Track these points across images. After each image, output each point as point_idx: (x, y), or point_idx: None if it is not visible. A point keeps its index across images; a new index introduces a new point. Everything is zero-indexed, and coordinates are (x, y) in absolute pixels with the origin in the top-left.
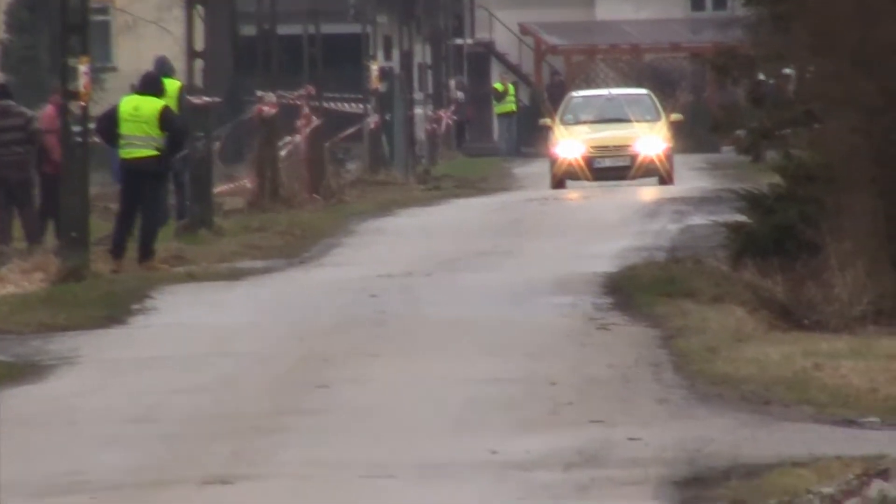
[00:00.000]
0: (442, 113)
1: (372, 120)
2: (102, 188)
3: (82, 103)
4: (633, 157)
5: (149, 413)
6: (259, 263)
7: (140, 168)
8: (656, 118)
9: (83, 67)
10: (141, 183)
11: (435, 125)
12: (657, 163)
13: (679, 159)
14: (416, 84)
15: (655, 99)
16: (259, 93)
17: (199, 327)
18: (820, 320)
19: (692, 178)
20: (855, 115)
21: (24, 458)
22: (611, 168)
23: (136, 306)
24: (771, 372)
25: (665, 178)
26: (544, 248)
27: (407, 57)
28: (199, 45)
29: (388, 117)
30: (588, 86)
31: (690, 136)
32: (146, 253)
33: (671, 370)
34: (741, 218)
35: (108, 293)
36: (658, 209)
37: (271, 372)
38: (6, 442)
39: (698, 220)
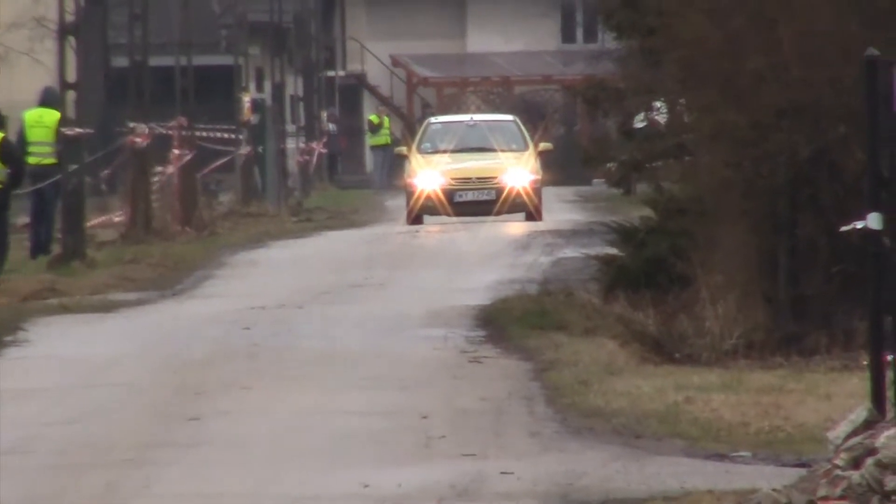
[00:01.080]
0: (314, 145)
1: (244, 151)
2: None
3: None
4: (499, 191)
5: (22, 444)
6: (132, 295)
7: None
8: (523, 147)
9: None
10: None
11: (307, 157)
12: (524, 196)
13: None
14: (288, 116)
15: (522, 126)
16: (131, 124)
17: (73, 359)
18: (691, 354)
19: (564, 211)
20: (725, 147)
21: None
22: (473, 202)
23: (8, 338)
24: (643, 405)
25: (533, 214)
26: (416, 281)
27: (279, 89)
28: (72, 76)
29: (260, 149)
30: None
31: (562, 168)
32: None
33: (543, 403)
34: (613, 251)
35: None
36: (530, 242)
37: (144, 404)
38: None
39: (570, 252)
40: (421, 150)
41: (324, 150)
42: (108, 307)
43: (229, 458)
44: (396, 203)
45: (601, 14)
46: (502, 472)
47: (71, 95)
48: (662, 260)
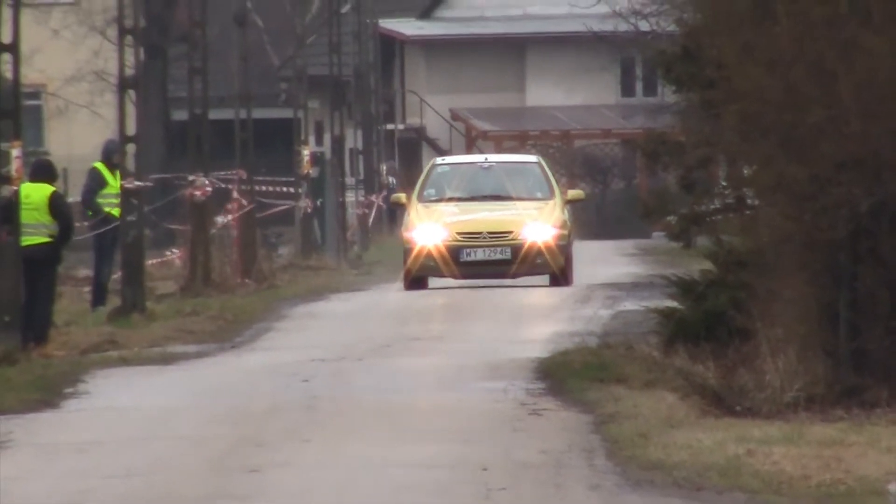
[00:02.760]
0: (373, 198)
1: (304, 205)
2: None
3: (14, 188)
4: (515, 248)
5: (81, 498)
6: (192, 348)
7: (33, 255)
8: (548, 195)
9: (15, 152)
10: (35, 270)
11: (366, 210)
12: (547, 255)
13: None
14: (347, 169)
15: (547, 168)
16: (190, 177)
17: (132, 411)
18: (752, 406)
19: (623, 264)
20: (785, 200)
21: None
22: (484, 262)
23: (69, 390)
24: (703, 458)
25: (559, 277)
26: (476, 333)
27: (338, 141)
28: (131, 129)
29: (319, 202)
30: None
31: (622, 221)
32: (42, 339)
33: (603, 456)
34: (673, 304)
35: (41, 377)
36: (590, 294)
37: (204, 456)
38: None
39: (630, 305)
40: (422, 198)
41: (383, 204)
42: (168, 359)
43: None
44: None
45: (660, 67)
46: None
47: (131, 148)
48: (722, 313)
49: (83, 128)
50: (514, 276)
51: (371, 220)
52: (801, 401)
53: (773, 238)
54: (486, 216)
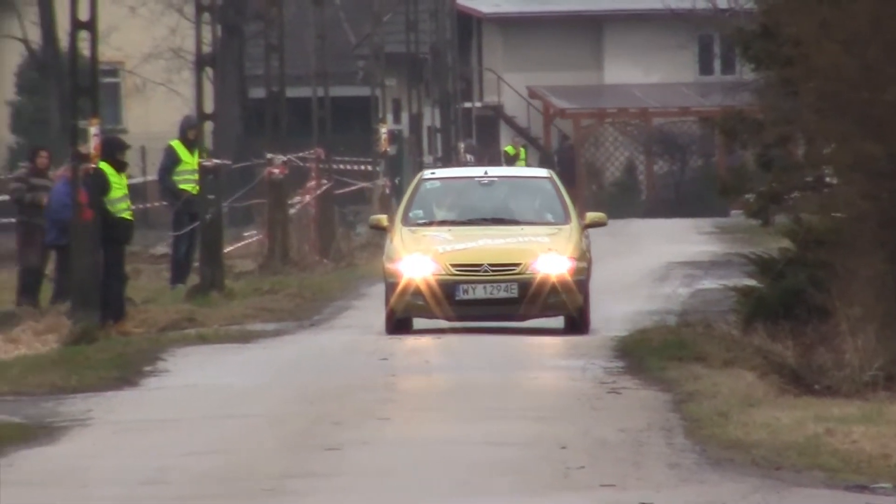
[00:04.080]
0: None
1: (381, 183)
2: None
3: (92, 165)
4: (524, 284)
5: (160, 475)
6: (270, 326)
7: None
8: (563, 219)
9: (93, 129)
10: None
11: None
12: (563, 293)
13: (688, 223)
14: (425, 147)
15: (561, 185)
16: (268, 155)
17: (211, 389)
18: (831, 385)
19: (701, 243)
20: (863, 179)
21: None
22: (485, 301)
23: (147, 368)
24: (782, 437)
25: (576, 318)
26: None
27: (416, 120)
28: (209, 107)
29: (397, 181)
30: (597, 150)
31: (700, 199)
32: (119, 316)
33: (682, 434)
34: (751, 282)
35: (120, 355)
36: (669, 273)
37: (282, 434)
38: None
39: (709, 284)
40: (408, 221)
41: None
42: (246, 337)
43: (368, 488)
44: None
45: (739, 45)
46: (641, 503)
47: (208, 126)
48: (801, 291)
49: (160, 105)
50: (521, 319)
51: None
52: (880, 380)
53: (850, 216)
54: (487, 244)
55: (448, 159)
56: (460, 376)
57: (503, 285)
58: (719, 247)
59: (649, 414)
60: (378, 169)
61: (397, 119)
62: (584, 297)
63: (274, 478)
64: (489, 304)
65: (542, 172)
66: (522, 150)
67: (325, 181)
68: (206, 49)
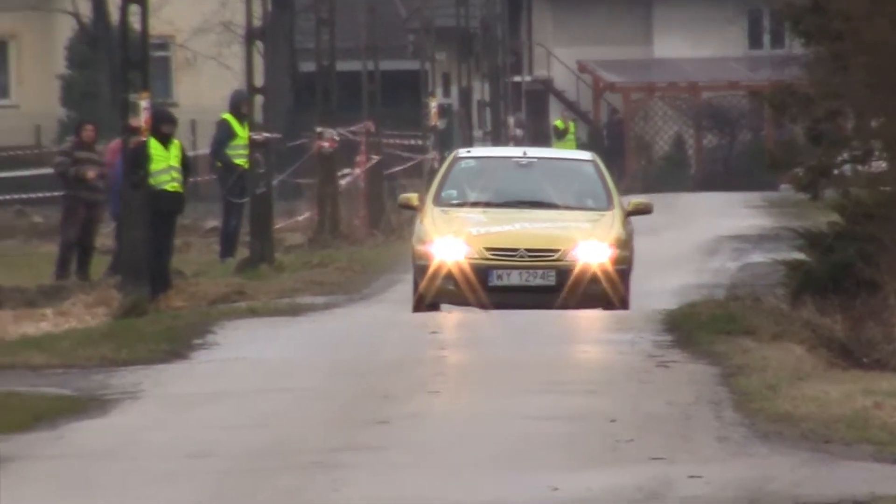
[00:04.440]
0: None
1: (431, 157)
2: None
3: (143, 138)
4: (562, 272)
5: (209, 448)
6: (320, 299)
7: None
8: (606, 205)
9: (144, 103)
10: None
11: None
12: (604, 282)
13: (736, 197)
14: (475, 121)
15: (604, 169)
16: (318, 129)
17: (260, 362)
18: (880, 359)
19: (750, 217)
20: None
21: (87, 492)
22: (521, 288)
23: (197, 341)
24: (831, 410)
25: (615, 309)
26: None
27: (466, 94)
28: (259, 81)
29: (447, 154)
30: (646, 124)
31: (749, 173)
32: (168, 288)
33: (731, 408)
34: (800, 256)
35: (170, 328)
36: (717, 247)
37: (331, 407)
38: (68, 475)
39: (757, 258)
40: (440, 201)
41: None
42: (296, 311)
43: (417, 462)
44: None
45: (788, 19)
46: (690, 476)
47: (258, 100)
48: (850, 265)
49: (211, 79)
50: (561, 307)
51: None
52: None
53: None
54: (524, 228)
55: (497, 134)
56: (509, 350)
57: (540, 272)
58: (768, 221)
59: (698, 387)
60: (427, 143)
61: (447, 93)
62: (626, 288)
63: (323, 451)
64: (524, 291)
65: (586, 155)
66: (572, 124)
67: (374, 155)
68: (257, 23)
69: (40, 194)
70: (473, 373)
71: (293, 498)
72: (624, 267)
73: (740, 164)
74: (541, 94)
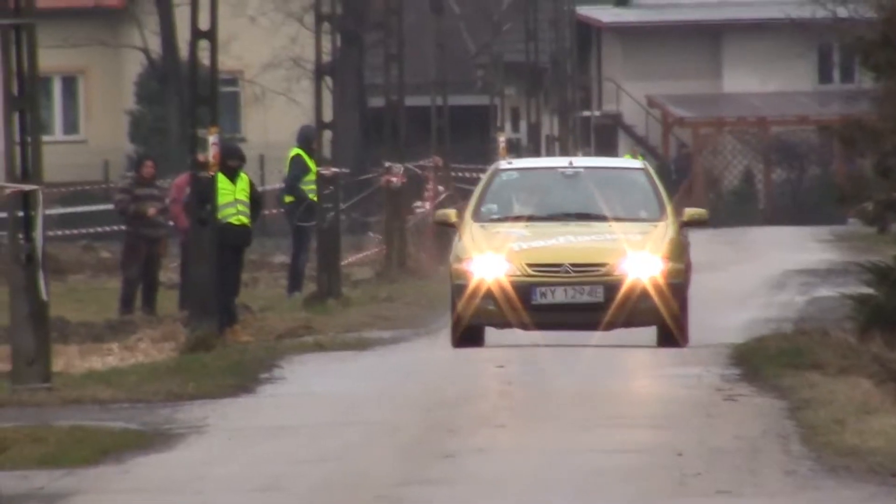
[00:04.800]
0: None
1: None
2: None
3: (211, 173)
4: (612, 288)
5: (276, 482)
6: (387, 334)
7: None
8: (658, 215)
9: (212, 138)
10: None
11: None
12: (656, 299)
13: (805, 232)
14: (543, 156)
15: (656, 178)
16: (386, 163)
17: (327, 396)
18: None
19: (818, 251)
20: None
21: None
22: (566, 307)
23: (264, 375)
24: None
25: (672, 330)
26: None
27: (534, 129)
28: (328, 116)
29: None
30: (715, 159)
31: (818, 207)
32: (234, 323)
33: (798, 442)
34: (868, 290)
35: (237, 362)
36: (785, 281)
37: (398, 441)
38: None
39: (825, 292)
40: (480, 217)
41: None
42: (363, 345)
43: (485, 496)
44: None
45: (858, 54)
46: None
47: (327, 135)
48: None
49: (279, 114)
50: (607, 328)
51: None
52: None
53: None
54: (568, 242)
55: None
56: (575, 384)
57: (587, 288)
58: (836, 255)
59: (765, 421)
60: None
61: (515, 128)
62: (682, 305)
63: (389, 485)
64: (570, 309)
65: (635, 164)
66: (641, 157)
67: (442, 189)
68: (326, 58)
69: (108, 228)
70: (540, 407)
71: None
72: (678, 281)
73: (809, 199)
74: (610, 128)
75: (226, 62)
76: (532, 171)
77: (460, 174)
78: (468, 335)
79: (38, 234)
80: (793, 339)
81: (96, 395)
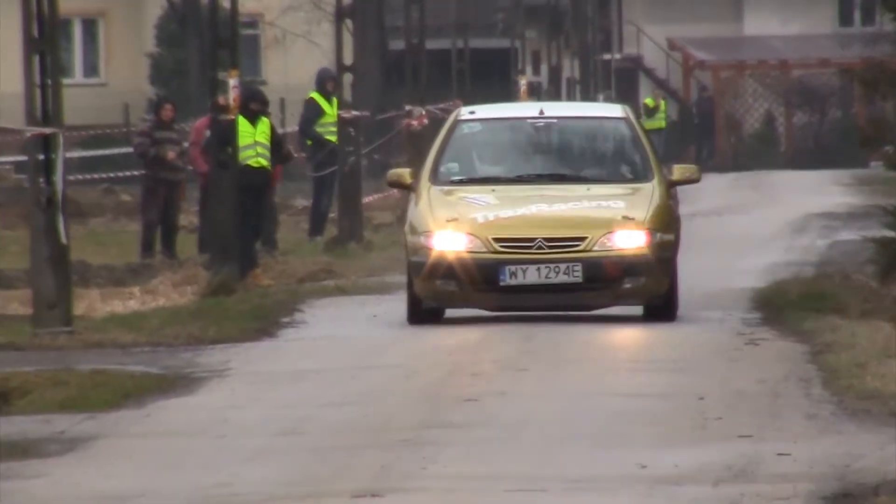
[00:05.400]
0: None
1: None
2: None
3: (231, 116)
4: (592, 265)
5: (298, 426)
6: None
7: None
8: (645, 175)
9: (232, 81)
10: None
11: None
12: (642, 275)
13: (825, 175)
14: (564, 98)
15: (641, 127)
16: (407, 107)
17: (348, 340)
18: None
19: (839, 194)
20: None
21: (175, 470)
22: (538, 287)
23: (285, 319)
24: None
25: (659, 305)
26: (694, 263)
27: (555, 72)
28: (348, 59)
29: None
30: (736, 102)
31: (839, 150)
32: (254, 266)
33: (820, 386)
34: (890, 233)
35: (258, 306)
36: (807, 225)
37: (420, 385)
38: (157, 454)
39: (847, 235)
40: (438, 179)
41: None
42: (384, 289)
43: (506, 440)
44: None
45: None
46: (779, 454)
47: (347, 78)
48: None
49: (300, 58)
50: (587, 309)
51: None
52: None
53: None
54: (542, 211)
55: None
56: (597, 329)
57: (563, 266)
58: (858, 198)
59: (787, 365)
60: None
61: (536, 71)
62: (672, 280)
63: (411, 428)
64: (544, 290)
65: (616, 111)
66: (663, 102)
67: None
68: (346, 1)
69: (128, 172)
70: (562, 351)
71: (381, 476)
72: (668, 254)
73: (830, 142)
74: (631, 71)
75: (246, 4)
76: (497, 121)
77: None
78: (425, 316)
79: (58, 177)
80: (814, 283)
81: (117, 339)
